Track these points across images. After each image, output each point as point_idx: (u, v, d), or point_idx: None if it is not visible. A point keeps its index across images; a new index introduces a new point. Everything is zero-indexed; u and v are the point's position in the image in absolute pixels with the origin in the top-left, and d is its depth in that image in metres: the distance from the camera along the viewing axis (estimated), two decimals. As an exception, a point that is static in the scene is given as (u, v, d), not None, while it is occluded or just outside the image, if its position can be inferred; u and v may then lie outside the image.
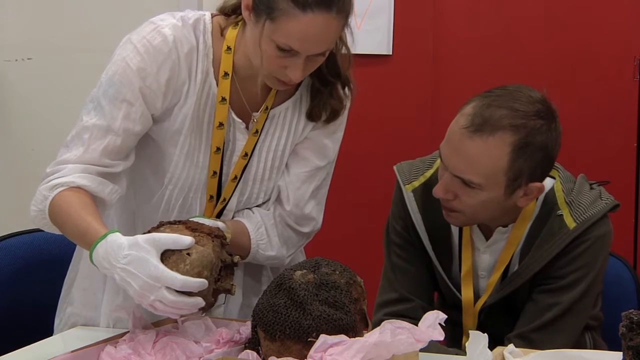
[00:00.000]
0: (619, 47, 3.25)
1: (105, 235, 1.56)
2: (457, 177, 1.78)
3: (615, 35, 3.26)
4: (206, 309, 1.58)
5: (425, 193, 1.94)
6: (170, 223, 1.62)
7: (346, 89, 1.85)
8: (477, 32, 3.37)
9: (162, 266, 1.49)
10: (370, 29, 3.40)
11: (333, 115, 1.86)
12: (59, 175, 1.70)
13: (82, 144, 1.72)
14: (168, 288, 1.49)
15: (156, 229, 1.61)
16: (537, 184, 1.80)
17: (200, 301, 1.53)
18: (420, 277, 1.99)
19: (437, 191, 1.83)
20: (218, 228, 1.64)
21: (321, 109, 1.85)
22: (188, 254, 1.53)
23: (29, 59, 3.65)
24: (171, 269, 1.50)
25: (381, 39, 3.41)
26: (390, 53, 3.42)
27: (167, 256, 1.52)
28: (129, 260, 1.50)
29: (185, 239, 1.53)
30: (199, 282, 1.51)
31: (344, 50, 1.80)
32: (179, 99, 1.77)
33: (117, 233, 1.56)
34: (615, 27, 3.25)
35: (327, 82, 1.82)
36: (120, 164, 1.75)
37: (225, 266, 1.61)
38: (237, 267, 1.65)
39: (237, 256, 1.65)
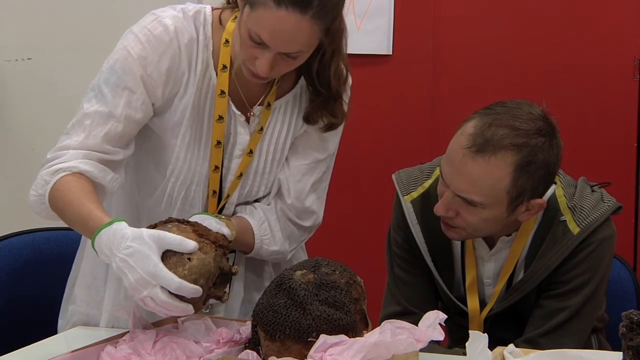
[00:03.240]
0: (619, 47, 3.25)
1: (111, 223, 1.56)
2: (459, 196, 1.78)
3: (615, 35, 3.26)
4: (194, 312, 1.58)
5: (424, 204, 1.94)
6: (178, 221, 1.61)
7: (338, 103, 1.84)
8: (477, 32, 3.37)
9: (161, 265, 1.49)
10: (370, 29, 3.40)
11: (330, 126, 1.87)
12: (60, 160, 1.70)
13: (83, 130, 1.73)
14: (162, 287, 1.49)
15: (164, 224, 1.60)
16: (539, 200, 1.80)
17: (189, 308, 1.53)
18: (423, 289, 1.98)
19: (439, 209, 1.82)
20: (224, 236, 1.64)
21: (318, 117, 1.85)
22: (189, 258, 1.52)
23: (29, 59, 3.65)
24: (169, 269, 1.50)
25: (381, 39, 3.41)
26: (390, 53, 3.42)
27: (168, 257, 1.52)
28: (130, 252, 1.50)
29: (189, 244, 1.53)
30: (194, 289, 1.51)
31: (340, 66, 1.80)
32: (179, 89, 1.78)
33: (123, 222, 1.56)
34: (615, 27, 3.26)
35: (318, 92, 1.83)
36: (121, 152, 1.75)
37: (222, 274, 1.61)
38: (235, 275, 1.65)
39: (236, 266, 1.65)
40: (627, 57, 3.25)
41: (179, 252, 1.52)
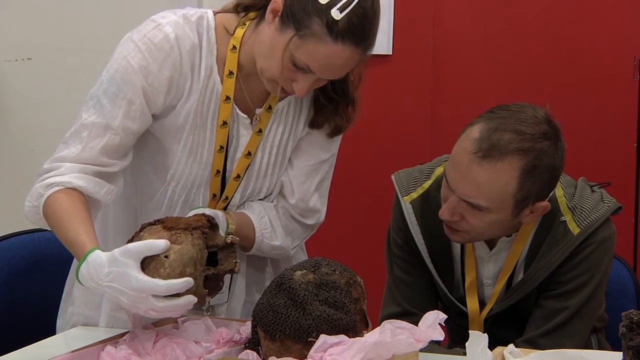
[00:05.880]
0: (619, 47, 3.26)
1: (85, 257, 1.55)
2: (465, 200, 1.78)
3: (615, 35, 3.26)
4: (202, 302, 1.57)
5: (423, 205, 1.94)
6: (150, 224, 1.61)
7: (350, 108, 1.86)
8: (477, 32, 3.37)
9: (142, 276, 1.48)
10: (371, 29, 3.40)
11: (337, 131, 1.88)
12: (55, 173, 1.69)
13: (80, 141, 1.72)
14: (154, 296, 1.48)
15: (138, 232, 1.60)
16: (543, 203, 1.80)
17: (192, 299, 1.52)
18: (423, 290, 1.98)
19: (444, 214, 1.81)
20: (199, 216, 1.61)
21: (324, 121, 1.86)
22: (166, 256, 1.52)
23: (29, 59, 3.64)
24: (152, 275, 1.49)
25: (381, 39, 3.37)
26: (390, 53, 3.42)
27: (147, 263, 1.51)
28: (112, 278, 1.50)
29: (157, 244, 1.51)
30: (183, 283, 1.50)
31: (359, 74, 1.82)
32: (182, 96, 1.77)
33: (97, 251, 1.55)
34: (615, 27, 3.26)
35: (331, 99, 1.83)
36: (117, 164, 1.74)
37: (222, 248, 1.60)
38: (235, 244, 1.63)
39: (231, 235, 1.64)
40: (627, 57, 3.25)
41: (155, 255, 1.51)
